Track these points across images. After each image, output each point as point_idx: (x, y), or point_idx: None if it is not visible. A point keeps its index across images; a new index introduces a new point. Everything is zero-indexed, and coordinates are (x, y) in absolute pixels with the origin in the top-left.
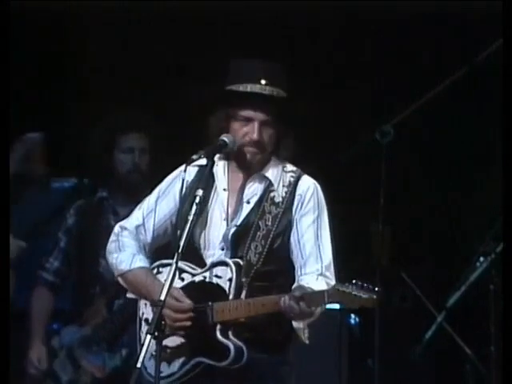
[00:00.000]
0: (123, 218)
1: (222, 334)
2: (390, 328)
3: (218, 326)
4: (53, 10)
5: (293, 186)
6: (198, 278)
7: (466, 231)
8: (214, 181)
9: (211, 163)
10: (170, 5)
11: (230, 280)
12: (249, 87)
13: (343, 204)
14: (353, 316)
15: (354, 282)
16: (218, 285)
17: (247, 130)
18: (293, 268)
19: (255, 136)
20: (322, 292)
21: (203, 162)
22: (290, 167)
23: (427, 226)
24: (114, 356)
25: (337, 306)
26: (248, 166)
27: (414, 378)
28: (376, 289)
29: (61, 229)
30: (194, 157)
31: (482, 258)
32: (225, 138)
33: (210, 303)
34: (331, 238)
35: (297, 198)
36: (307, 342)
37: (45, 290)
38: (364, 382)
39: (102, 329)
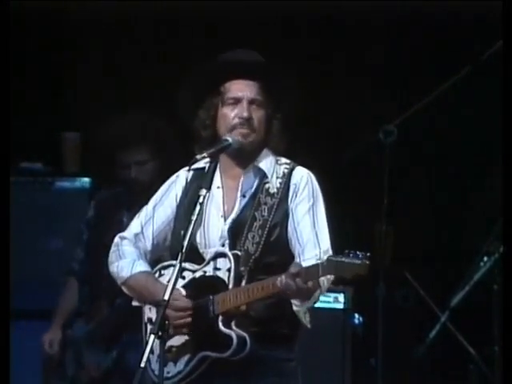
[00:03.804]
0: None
1: (224, 325)
2: (393, 328)
3: (221, 318)
4: (53, 10)
5: (287, 177)
6: (198, 274)
7: (468, 231)
8: None
9: (215, 163)
10: (169, 5)
11: (229, 270)
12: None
13: (346, 204)
14: (356, 316)
15: (346, 251)
16: (217, 277)
17: (237, 111)
18: (293, 260)
19: (245, 114)
20: (316, 265)
21: (201, 164)
22: (283, 160)
23: (430, 226)
24: (106, 356)
25: (340, 306)
26: (241, 156)
27: (417, 378)
28: (368, 254)
29: (83, 221)
30: (198, 157)
31: (485, 258)
32: (228, 137)
33: (210, 296)
34: (330, 232)
35: (291, 187)
36: (309, 326)
37: (74, 280)
38: (367, 382)
39: (102, 327)
